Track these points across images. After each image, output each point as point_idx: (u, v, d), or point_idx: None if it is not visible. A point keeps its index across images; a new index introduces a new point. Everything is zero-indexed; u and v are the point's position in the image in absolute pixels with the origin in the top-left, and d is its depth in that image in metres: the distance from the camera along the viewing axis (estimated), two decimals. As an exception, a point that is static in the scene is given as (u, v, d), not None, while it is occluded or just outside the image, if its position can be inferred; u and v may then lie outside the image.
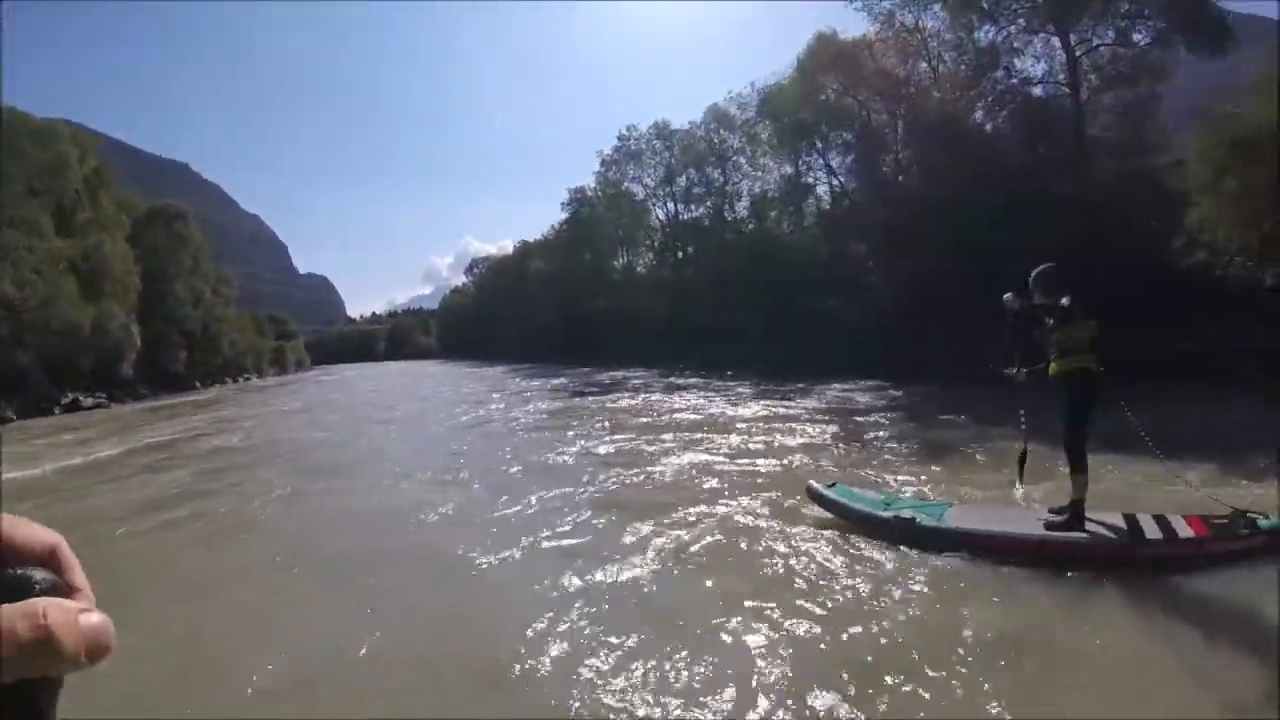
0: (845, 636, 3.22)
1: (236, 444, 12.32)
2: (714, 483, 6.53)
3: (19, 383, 22.55)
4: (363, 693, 3.05)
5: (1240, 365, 11.45)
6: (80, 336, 24.99)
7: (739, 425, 10.43)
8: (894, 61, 23.19)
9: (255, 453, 11.17)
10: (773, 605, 3.59)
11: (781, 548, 4.51)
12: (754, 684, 2.86)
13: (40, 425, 18.68)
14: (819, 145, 27.55)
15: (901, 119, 23.01)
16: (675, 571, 4.27)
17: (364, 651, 3.36)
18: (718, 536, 4.84)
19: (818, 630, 3.30)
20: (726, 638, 3.29)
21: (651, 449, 8.71)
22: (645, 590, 3.99)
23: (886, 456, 7.60)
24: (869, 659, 3.00)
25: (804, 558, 4.30)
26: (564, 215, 46.40)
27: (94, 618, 0.33)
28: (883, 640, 3.16)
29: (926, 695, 2.72)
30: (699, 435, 9.60)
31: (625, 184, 42.18)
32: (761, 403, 13.48)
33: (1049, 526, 4.09)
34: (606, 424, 11.56)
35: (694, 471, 7.13)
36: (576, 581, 4.13)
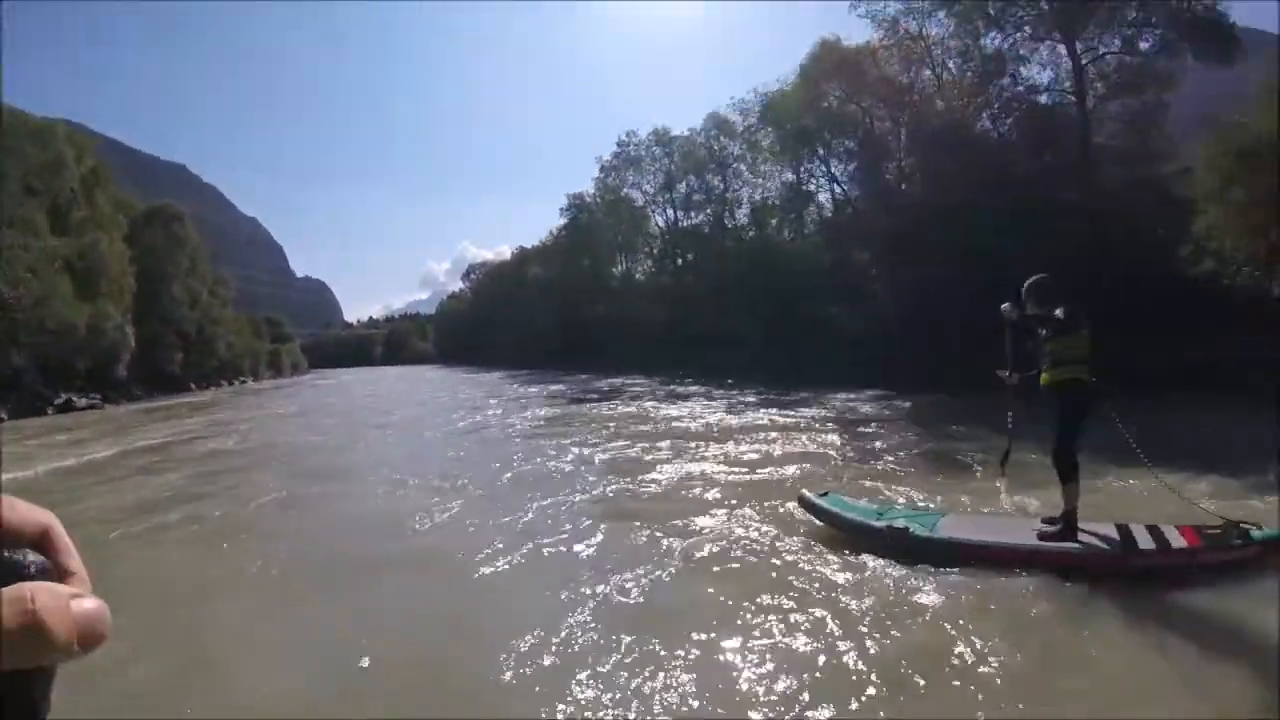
0: (838, 647, 3.19)
1: (232, 447, 12.18)
2: (711, 492, 6.42)
3: (12, 382, 22.34)
4: (360, 693, 3.04)
5: (1248, 375, 11.38)
6: (75, 336, 24.73)
7: (737, 434, 10.26)
8: (898, 69, 23.26)
9: (251, 456, 11.02)
10: (765, 615, 3.57)
11: (775, 558, 4.49)
12: (746, 694, 2.86)
13: (33, 426, 18.51)
14: (821, 152, 27.59)
15: (905, 126, 23.03)
16: (668, 580, 4.22)
17: (360, 654, 3.34)
18: (713, 546, 4.79)
19: (810, 641, 3.28)
20: (719, 647, 3.27)
21: (649, 457, 8.57)
22: (639, 597, 3.97)
23: (886, 466, 7.46)
24: (862, 669, 2.99)
25: (797, 568, 4.27)
26: (562, 221, 46.46)
27: (87, 603, 0.30)
28: (875, 650, 3.14)
29: (919, 705, 2.72)
30: (697, 443, 9.41)
31: (624, 190, 42.17)
32: (761, 411, 13.31)
33: (1042, 537, 4.09)
34: (604, 431, 11.37)
35: (691, 480, 7.03)
36: (572, 588, 4.10)
